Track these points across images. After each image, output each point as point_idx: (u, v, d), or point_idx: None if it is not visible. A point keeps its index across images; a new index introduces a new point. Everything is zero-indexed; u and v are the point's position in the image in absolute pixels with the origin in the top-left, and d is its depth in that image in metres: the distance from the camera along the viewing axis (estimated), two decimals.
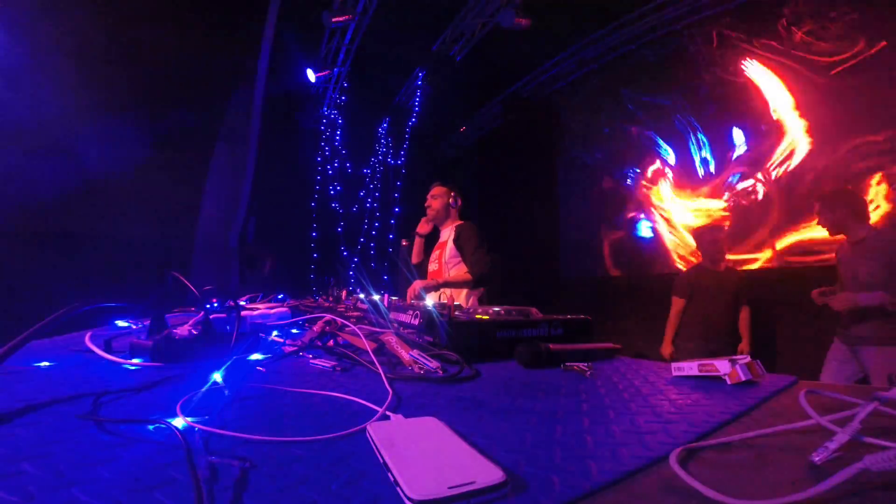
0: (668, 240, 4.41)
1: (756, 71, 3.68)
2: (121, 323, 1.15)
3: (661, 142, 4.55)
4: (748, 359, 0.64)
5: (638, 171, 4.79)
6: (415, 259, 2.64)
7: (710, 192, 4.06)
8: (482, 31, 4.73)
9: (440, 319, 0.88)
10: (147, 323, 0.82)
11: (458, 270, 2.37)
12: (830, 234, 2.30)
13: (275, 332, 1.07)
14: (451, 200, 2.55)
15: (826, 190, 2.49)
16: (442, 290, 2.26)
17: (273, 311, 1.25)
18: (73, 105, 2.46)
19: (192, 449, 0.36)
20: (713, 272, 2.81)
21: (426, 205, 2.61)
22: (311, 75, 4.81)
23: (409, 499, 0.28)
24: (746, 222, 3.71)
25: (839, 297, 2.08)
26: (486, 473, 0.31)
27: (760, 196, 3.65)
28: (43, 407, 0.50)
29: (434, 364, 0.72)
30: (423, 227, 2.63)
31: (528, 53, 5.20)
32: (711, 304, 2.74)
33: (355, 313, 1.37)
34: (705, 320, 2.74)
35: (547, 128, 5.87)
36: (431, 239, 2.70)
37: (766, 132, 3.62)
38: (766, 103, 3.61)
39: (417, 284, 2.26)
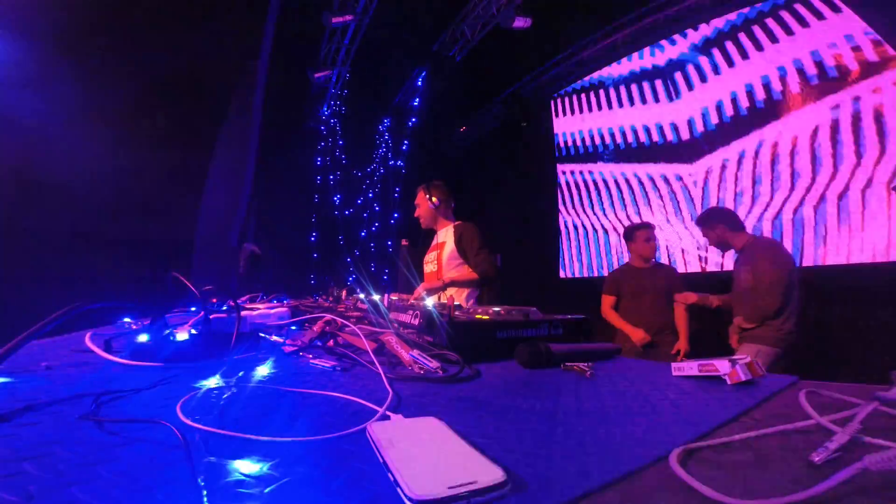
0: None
1: None
2: (127, 320, 1.15)
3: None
4: (748, 359, 0.64)
5: None
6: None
7: None
8: (482, 31, 4.73)
9: (440, 319, 0.87)
10: (147, 323, 0.82)
11: (460, 272, 2.34)
12: (720, 250, 2.53)
13: (274, 336, 1.06)
14: (431, 200, 2.46)
15: (701, 213, 2.58)
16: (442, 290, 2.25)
17: (273, 311, 1.25)
18: (73, 105, 2.46)
19: (192, 449, 0.36)
20: (642, 270, 2.77)
21: (415, 215, 2.58)
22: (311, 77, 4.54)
23: (409, 499, 0.28)
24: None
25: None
26: (486, 473, 0.31)
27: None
28: (43, 407, 0.49)
29: (434, 364, 0.72)
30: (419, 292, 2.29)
31: (528, 53, 5.20)
32: (643, 302, 2.69)
33: (355, 313, 1.37)
34: (641, 318, 2.71)
35: (546, 127, 5.87)
36: (427, 239, 2.69)
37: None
38: None
39: (422, 288, 2.24)
